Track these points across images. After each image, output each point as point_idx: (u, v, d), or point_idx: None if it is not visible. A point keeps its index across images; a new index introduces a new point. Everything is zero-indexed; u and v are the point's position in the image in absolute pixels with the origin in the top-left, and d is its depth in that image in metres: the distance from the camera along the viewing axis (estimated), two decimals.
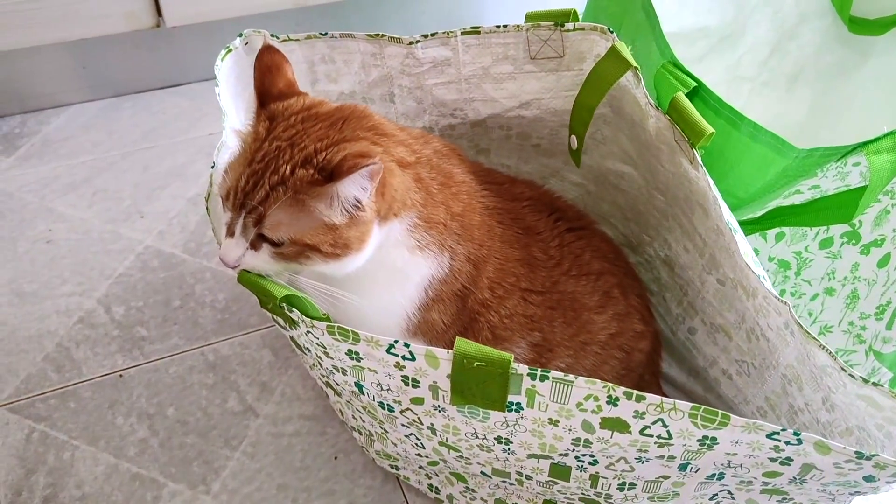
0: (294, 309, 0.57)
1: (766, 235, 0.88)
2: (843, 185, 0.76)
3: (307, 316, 0.57)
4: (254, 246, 0.61)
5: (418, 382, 0.57)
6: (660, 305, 0.88)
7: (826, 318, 0.88)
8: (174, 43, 1.28)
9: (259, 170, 0.60)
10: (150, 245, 1.06)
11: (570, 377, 0.51)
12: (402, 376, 0.57)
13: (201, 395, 0.90)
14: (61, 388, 0.89)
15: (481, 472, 0.68)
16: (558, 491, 0.66)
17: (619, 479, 0.61)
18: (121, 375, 0.91)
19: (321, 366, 0.64)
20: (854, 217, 0.70)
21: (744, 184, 0.77)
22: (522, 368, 0.52)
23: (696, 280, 0.79)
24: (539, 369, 0.52)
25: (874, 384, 0.54)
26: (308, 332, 0.58)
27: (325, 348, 0.59)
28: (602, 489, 0.63)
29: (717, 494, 0.62)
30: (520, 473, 0.65)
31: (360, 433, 0.76)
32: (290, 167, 0.59)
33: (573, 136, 0.82)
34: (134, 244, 1.06)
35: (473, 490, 0.74)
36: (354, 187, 0.58)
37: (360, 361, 0.58)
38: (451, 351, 0.53)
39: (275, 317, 0.63)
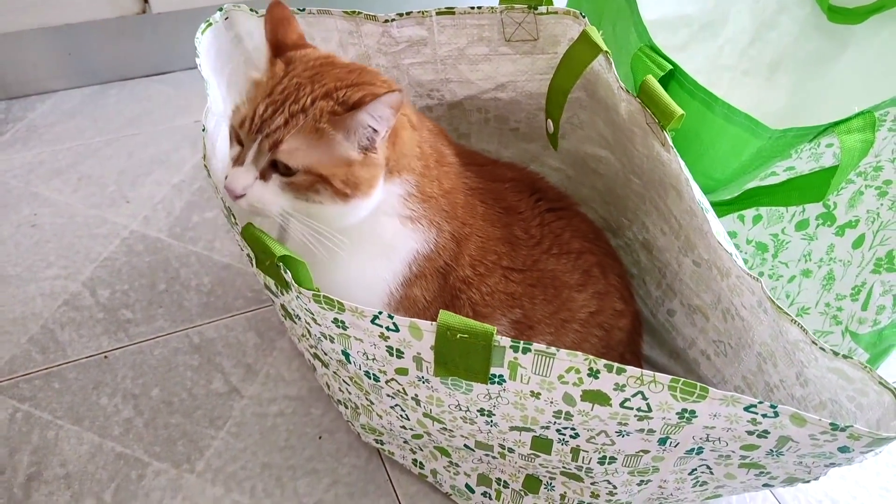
0: (288, 271, 0.58)
1: (743, 218, 0.90)
2: (818, 165, 0.77)
3: (297, 282, 0.57)
4: (263, 176, 0.61)
5: (402, 353, 0.58)
6: (640, 288, 0.89)
7: (803, 300, 0.89)
8: (160, 30, 1.28)
9: (279, 100, 0.61)
10: (135, 230, 1.07)
11: (552, 349, 0.52)
12: (386, 346, 0.58)
13: (186, 376, 0.90)
14: (46, 368, 0.89)
15: (465, 446, 0.69)
16: (540, 464, 0.67)
17: (599, 452, 0.62)
18: (106, 357, 0.91)
19: (310, 334, 0.65)
20: (826, 196, 0.71)
21: (720, 165, 0.79)
22: (505, 341, 0.52)
23: (673, 262, 0.80)
24: (521, 342, 0.52)
25: (843, 356, 0.55)
26: (297, 296, 0.59)
27: (313, 315, 0.59)
28: (583, 462, 0.64)
29: (696, 469, 0.63)
30: (502, 446, 0.66)
31: (346, 406, 0.77)
32: (311, 98, 0.61)
33: (549, 121, 0.83)
34: (119, 229, 1.07)
35: (457, 464, 0.75)
36: (374, 117, 0.60)
37: (346, 330, 0.58)
38: (434, 322, 0.53)
39: (266, 279, 0.63)
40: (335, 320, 0.58)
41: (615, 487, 0.67)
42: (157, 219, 1.08)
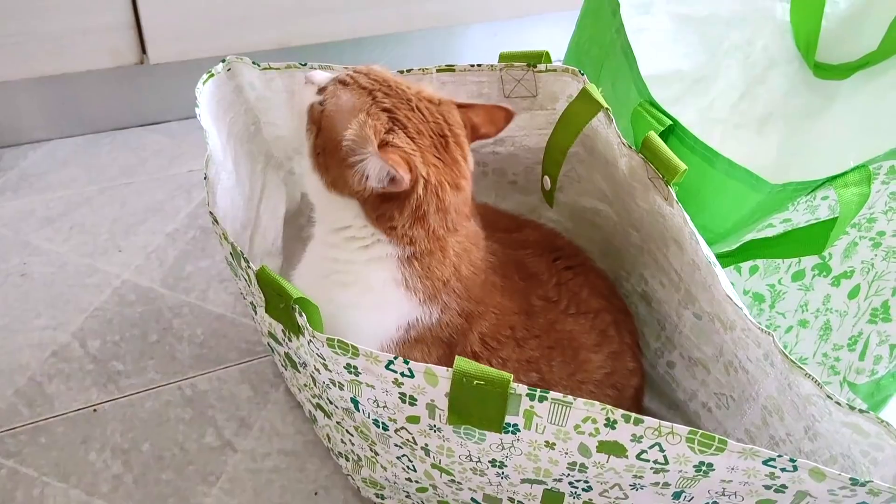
0: (303, 314, 0.57)
1: (740, 269, 0.90)
2: (813, 217, 0.78)
3: (312, 325, 0.56)
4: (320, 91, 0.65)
5: (415, 400, 0.57)
6: (639, 340, 0.89)
7: (801, 351, 0.89)
8: (156, 80, 1.29)
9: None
10: (127, 279, 1.05)
11: (570, 398, 0.51)
12: (399, 393, 0.57)
13: (178, 430, 0.88)
14: (32, 422, 0.87)
15: (472, 499, 0.67)
16: None
17: None
18: (95, 410, 0.89)
19: (315, 383, 0.63)
20: (825, 248, 0.72)
21: (720, 219, 0.79)
22: (521, 388, 0.52)
23: (672, 315, 0.80)
24: (538, 390, 0.52)
25: (860, 411, 0.54)
26: (310, 341, 0.58)
27: (324, 360, 0.58)
28: None
29: None
30: (511, 500, 0.65)
31: (348, 459, 0.75)
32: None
33: (546, 177, 0.84)
34: (111, 278, 1.05)
35: None
36: (380, 170, 0.61)
37: (358, 376, 0.57)
38: (450, 369, 0.53)
39: (272, 326, 0.62)
40: (348, 366, 0.57)
41: None
42: (149, 268, 1.07)
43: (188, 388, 0.92)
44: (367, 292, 0.67)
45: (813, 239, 0.72)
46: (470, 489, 0.65)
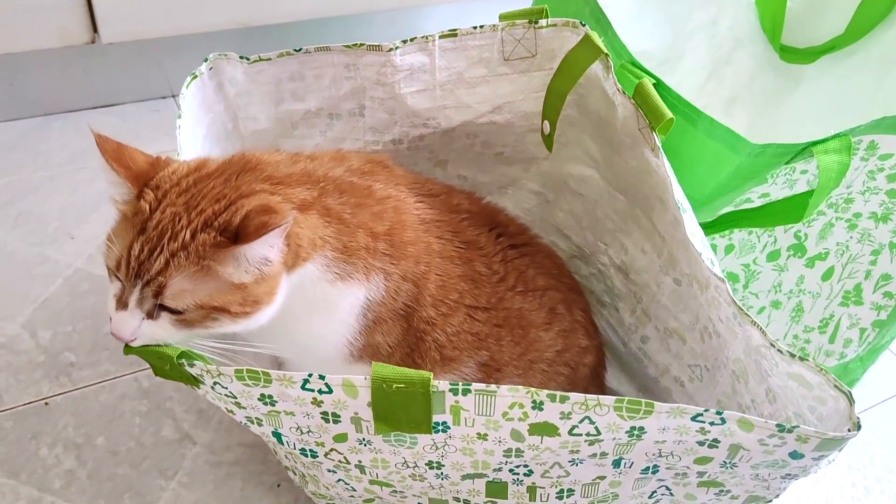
0: (195, 362, 0.53)
1: (715, 248, 0.90)
2: (792, 192, 0.78)
3: (207, 369, 0.53)
4: (150, 315, 0.57)
5: (339, 417, 0.55)
6: (611, 317, 0.88)
7: (772, 332, 0.88)
8: (108, 61, 1.24)
9: (154, 237, 0.56)
10: (79, 268, 1.01)
11: (493, 387, 0.51)
12: (321, 413, 0.55)
13: (134, 423, 0.84)
14: None
15: None
16: None
17: (556, 486, 0.60)
18: (46, 403, 0.85)
19: (234, 419, 0.61)
20: (804, 217, 0.72)
21: (699, 184, 0.78)
22: (443, 385, 0.51)
23: (651, 283, 0.80)
24: (460, 383, 0.51)
25: (801, 358, 0.55)
26: (215, 383, 0.54)
27: (235, 398, 0.56)
28: (541, 501, 0.62)
29: (655, 492, 0.62)
30: (457, 499, 0.64)
31: (295, 473, 0.73)
32: (190, 232, 0.55)
33: (546, 122, 0.83)
34: (62, 267, 1.01)
35: None
36: (263, 247, 0.55)
37: (274, 405, 0.55)
38: (367, 377, 0.51)
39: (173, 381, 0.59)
40: (262, 396, 0.54)
41: None
42: (102, 257, 1.03)
43: (145, 379, 0.89)
44: (316, 304, 0.64)
45: (792, 208, 0.72)
46: (414, 496, 0.64)
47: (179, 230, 0.55)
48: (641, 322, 0.83)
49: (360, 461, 0.60)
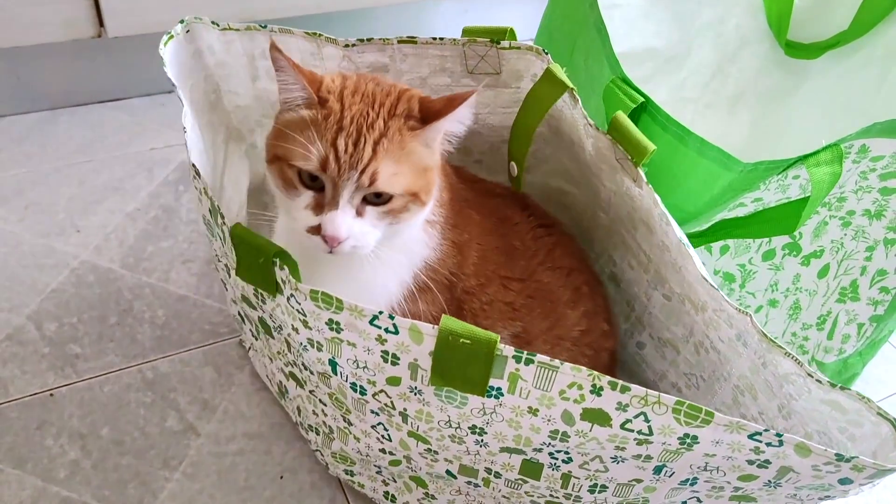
0: (285, 267, 0.54)
1: (711, 249, 0.90)
2: (784, 197, 0.78)
3: (294, 277, 0.54)
4: (359, 212, 0.60)
5: (398, 359, 0.55)
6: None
7: (770, 330, 0.89)
8: (115, 55, 1.24)
9: (354, 131, 0.59)
10: (85, 260, 1.02)
11: (556, 362, 0.50)
12: (381, 351, 0.55)
13: (138, 414, 0.85)
14: None
15: (447, 472, 0.65)
16: (525, 492, 0.64)
17: (591, 479, 0.59)
18: (51, 394, 0.86)
19: (290, 348, 0.61)
20: (797, 228, 0.72)
21: (692, 198, 0.79)
22: (508, 350, 0.50)
23: (641, 296, 0.79)
24: (525, 352, 0.50)
25: (841, 388, 0.54)
26: (291, 296, 0.55)
27: (304, 316, 0.56)
28: (572, 490, 0.61)
29: (686, 502, 0.61)
30: (488, 471, 0.63)
31: (318, 432, 0.73)
32: (383, 121, 0.60)
33: (512, 163, 0.83)
34: (68, 259, 1.02)
35: (433, 496, 0.72)
36: (453, 123, 0.61)
37: (339, 333, 0.55)
38: (436, 326, 0.51)
39: (245, 289, 0.60)
40: (330, 321, 0.55)
41: None
42: (109, 248, 1.04)
43: (149, 370, 0.90)
44: (397, 251, 0.66)
45: (784, 218, 0.72)
46: (446, 459, 0.64)
47: (372, 122, 0.59)
48: (636, 328, 0.83)
49: (405, 408, 0.59)
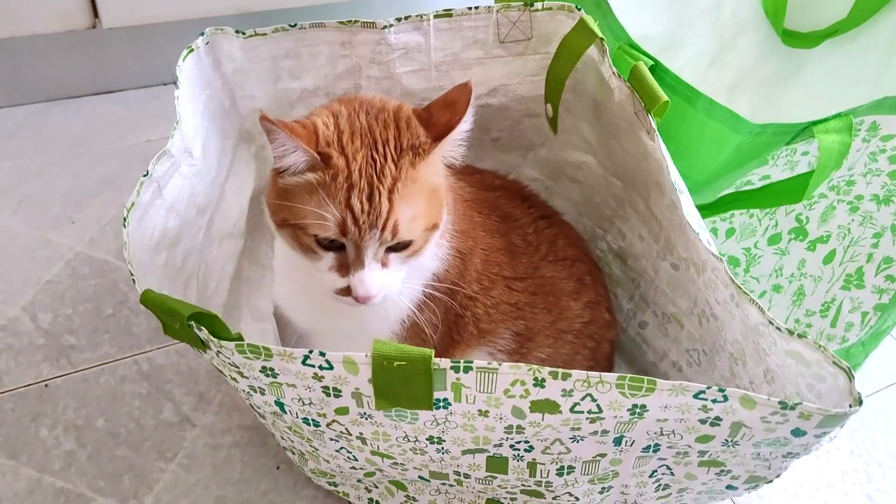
0: (203, 328, 0.53)
1: (716, 231, 0.89)
2: (793, 174, 0.77)
3: (215, 336, 0.53)
4: (384, 264, 0.59)
5: (340, 392, 0.55)
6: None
7: (773, 316, 0.89)
8: (109, 46, 1.23)
9: (366, 185, 0.57)
10: (80, 252, 1.01)
11: (494, 365, 0.51)
12: (322, 387, 0.54)
13: (134, 405, 0.85)
14: None
15: (419, 477, 0.66)
16: (499, 486, 0.65)
17: (556, 462, 0.60)
18: (46, 385, 0.85)
19: (237, 388, 0.60)
20: (804, 198, 0.72)
21: (700, 164, 0.78)
22: (444, 362, 0.51)
23: (649, 269, 0.79)
24: (461, 361, 0.51)
25: (799, 335, 0.54)
26: (218, 352, 0.54)
27: (238, 368, 0.55)
28: (541, 477, 0.62)
29: (656, 471, 0.62)
30: (457, 472, 0.64)
31: (293, 453, 0.73)
32: (392, 163, 0.57)
33: (548, 105, 0.83)
34: (63, 251, 1.01)
35: (414, 498, 0.72)
36: (463, 131, 0.59)
37: (276, 378, 0.55)
38: (368, 354, 0.51)
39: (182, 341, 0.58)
40: (263, 368, 0.54)
41: (577, 499, 0.65)
42: (104, 241, 1.03)
43: (145, 362, 0.89)
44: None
45: (793, 188, 0.72)
46: (415, 468, 0.64)
47: (381, 168, 0.57)
48: (640, 308, 0.83)
49: (361, 433, 0.60)
